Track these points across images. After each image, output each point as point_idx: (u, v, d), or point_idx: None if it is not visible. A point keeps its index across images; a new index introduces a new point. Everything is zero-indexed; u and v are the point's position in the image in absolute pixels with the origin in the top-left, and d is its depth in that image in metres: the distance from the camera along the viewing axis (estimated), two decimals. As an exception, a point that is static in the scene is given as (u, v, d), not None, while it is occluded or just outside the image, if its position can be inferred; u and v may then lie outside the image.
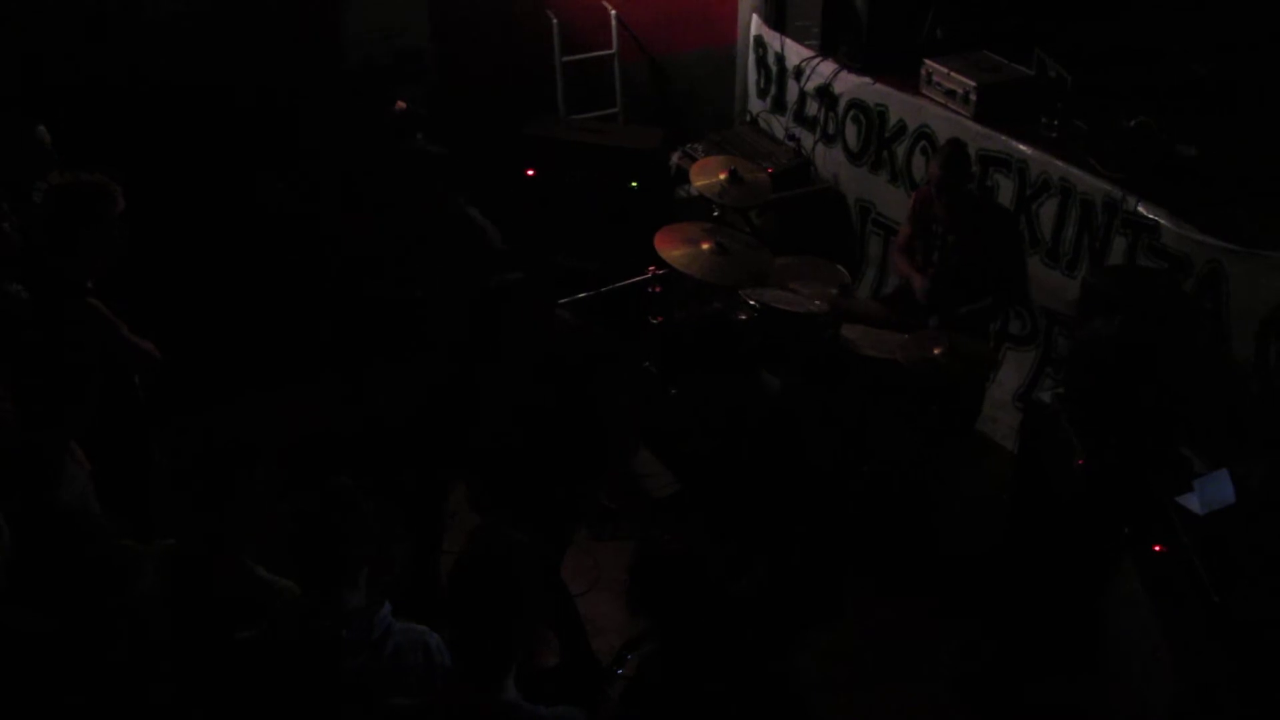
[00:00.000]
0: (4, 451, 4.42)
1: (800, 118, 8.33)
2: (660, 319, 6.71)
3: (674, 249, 6.24)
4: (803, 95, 8.24)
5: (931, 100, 7.32)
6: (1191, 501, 4.71)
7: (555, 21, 8.23)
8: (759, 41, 8.64)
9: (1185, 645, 4.41)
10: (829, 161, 8.15)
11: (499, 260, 6.03)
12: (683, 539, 3.73)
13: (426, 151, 6.45)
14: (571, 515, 5.41)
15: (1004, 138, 6.91)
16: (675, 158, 8.25)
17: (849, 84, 7.86)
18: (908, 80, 7.50)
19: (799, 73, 8.23)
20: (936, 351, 5.81)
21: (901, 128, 7.54)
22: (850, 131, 7.91)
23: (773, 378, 4.95)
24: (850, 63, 7.86)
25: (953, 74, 7.15)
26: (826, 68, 8.01)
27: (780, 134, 8.50)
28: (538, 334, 5.30)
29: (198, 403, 6.26)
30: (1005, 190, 6.91)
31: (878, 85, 7.69)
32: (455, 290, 5.65)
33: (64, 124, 5.51)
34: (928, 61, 7.31)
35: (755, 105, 8.81)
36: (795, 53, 8.26)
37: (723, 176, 6.67)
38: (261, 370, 6.74)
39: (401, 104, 6.88)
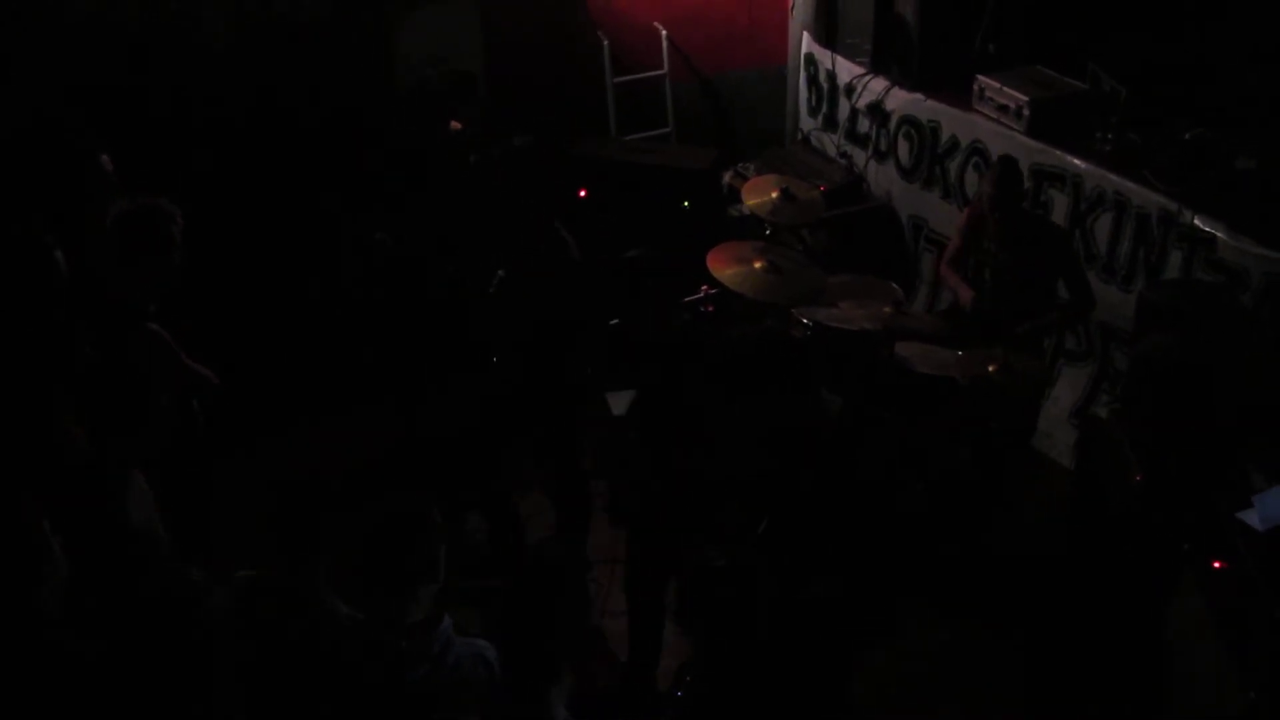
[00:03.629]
0: (71, 475, 4.49)
1: (852, 135, 8.33)
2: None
3: (727, 268, 6.25)
4: (854, 113, 8.24)
5: (984, 116, 7.30)
6: (1252, 518, 4.65)
7: (606, 43, 8.28)
8: (810, 59, 8.64)
9: (1248, 663, 4.36)
10: (881, 179, 8.14)
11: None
12: (733, 555, 3.72)
13: (516, 150, 6.44)
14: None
15: (1057, 152, 6.88)
16: (727, 177, 8.26)
17: (901, 100, 7.85)
18: (960, 96, 7.49)
19: (850, 90, 8.22)
20: (992, 369, 5.78)
21: (954, 144, 7.52)
22: (902, 148, 7.90)
23: (834, 397, 4.93)
24: (902, 79, 7.85)
25: (1005, 89, 7.13)
26: (878, 85, 8.00)
27: (832, 152, 8.49)
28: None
29: (257, 430, 6.33)
30: (1059, 205, 6.87)
31: (930, 102, 7.68)
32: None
33: (121, 151, 5.60)
34: (980, 77, 7.30)
35: (807, 123, 8.81)
36: (847, 70, 8.26)
37: (775, 195, 6.67)
38: (316, 395, 6.80)
39: (456, 125, 6.92)
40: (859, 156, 8.28)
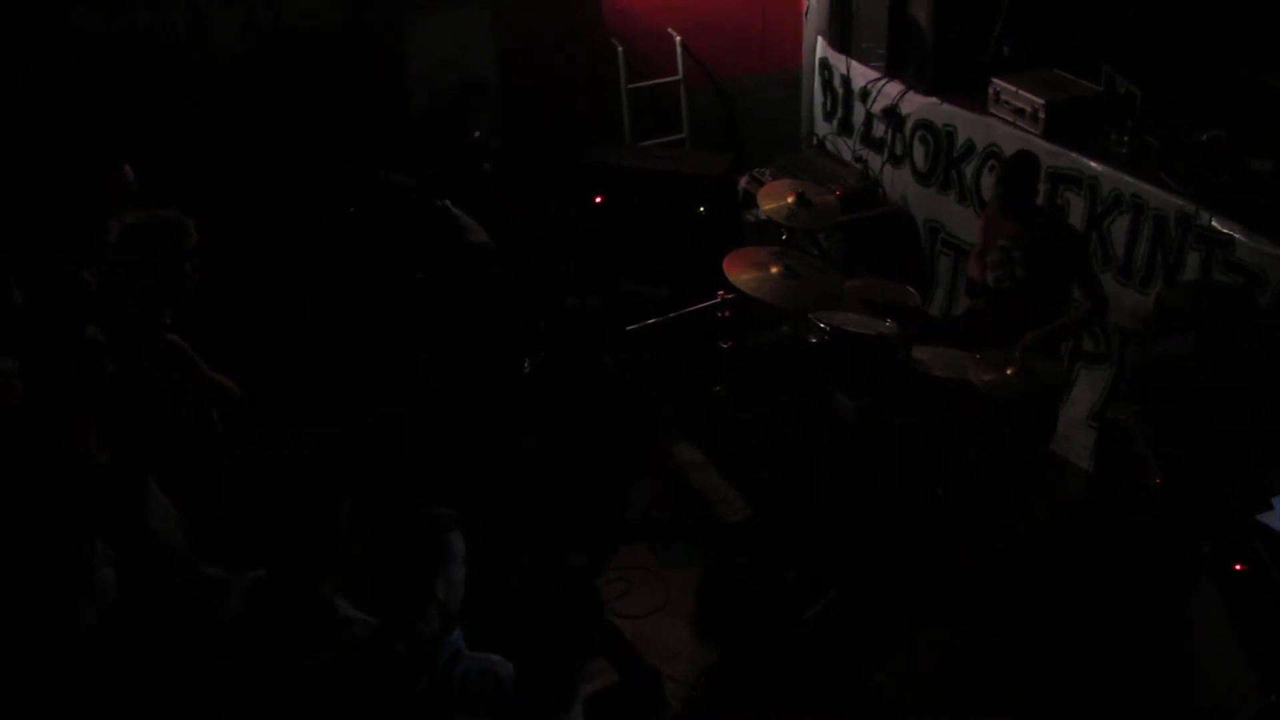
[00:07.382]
0: (92, 485, 4.51)
1: (867, 139, 8.33)
2: (730, 344, 6.72)
3: (743, 273, 6.25)
4: (869, 117, 8.24)
5: (999, 119, 7.29)
6: (1272, 520, 4.64)
7: (620, 49, 8.29)
8: (824, 64, 8.64)
9: (1268, 665, 4.35)
10: (897, 182, 8.14)
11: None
12: (747, 563, 3.73)
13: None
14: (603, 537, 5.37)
15: (1074, 155, 6.87)
16: (743, 182, 8.26)
17: (916, 104, 7.84)
18: (975, 99, 7.48)
19: (865, 94, 8.22)
20: (1009, 372, 5.78)
21: (970, 147, 7.52)
22: (918, 152, 7.90)
23: (847, 400, 4.92)
24: (917, 83, 7.84)
25: (1021, 92, 7.12)
26: (893, 88, 8.00)
27: (848, 156, 8.49)
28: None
29: (268, 437, 6.34)
30: (1076, 208, 6.86)
31: (945, 105, 7.67)
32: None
33: (137, 162, 5.62)
34: (995, 80, 7.29)
35: (822, 128, 8.81)
36: (861, 74, 8.26)
37: (791, 199, 6.67)
38: (328, 403, 6.81)
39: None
40: (874, 160, 8.28)
